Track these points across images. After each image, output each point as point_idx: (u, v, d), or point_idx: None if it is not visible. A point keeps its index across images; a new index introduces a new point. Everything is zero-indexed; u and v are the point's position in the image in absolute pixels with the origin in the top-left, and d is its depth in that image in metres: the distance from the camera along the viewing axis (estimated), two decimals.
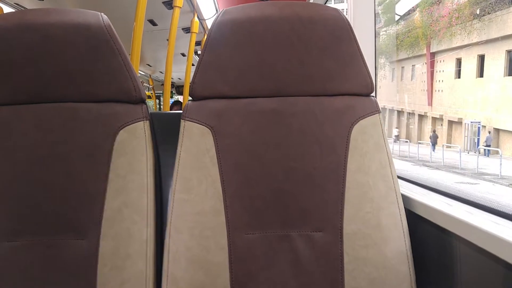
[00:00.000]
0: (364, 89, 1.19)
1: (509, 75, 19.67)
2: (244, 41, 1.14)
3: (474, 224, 0.90)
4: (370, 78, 1.18)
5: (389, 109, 33.24)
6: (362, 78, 1.18)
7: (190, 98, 1.20)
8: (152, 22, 6.67)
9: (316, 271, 1.10)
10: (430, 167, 15.98)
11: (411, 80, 30.14)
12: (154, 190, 1.16)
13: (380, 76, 33.80)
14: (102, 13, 1.17)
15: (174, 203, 1.12)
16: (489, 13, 20.73)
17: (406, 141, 23.61)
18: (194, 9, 5.16)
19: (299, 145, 1.14)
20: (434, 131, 25.31)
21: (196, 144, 1.14)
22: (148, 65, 12.34)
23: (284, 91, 1.16)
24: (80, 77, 1.14)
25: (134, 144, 1.15)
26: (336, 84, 1.17)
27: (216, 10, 4.28)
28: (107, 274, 1.08)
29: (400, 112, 31.62)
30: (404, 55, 29.79)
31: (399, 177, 1.40)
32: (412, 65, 29.85)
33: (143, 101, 1.23)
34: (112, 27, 1.16)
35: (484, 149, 18.00)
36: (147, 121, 1.20)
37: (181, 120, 1.17)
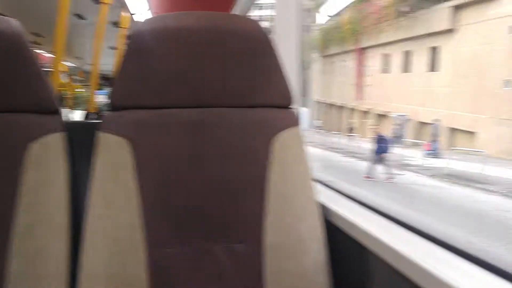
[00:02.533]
0: (284, 101, 1.20)
1: (432, 71, 20.81)
2: (164, 51, 1.13)
3: (384, 241, 0.95)
4: (290, 90, 1.19)
5: (321, 102, 34.14)
6: (282, 90, 1.19)
7: (109, 109, 1.16)
8: (80, 17, 6.82)
9: (238, 284, 1.10)
10: (359, 158, 16.51)
11: (342, 74, 31.10)
12: (69, 205, 1.11)
13: (312, 70, 34.56)
14: (14, 19, 1.12)
15: (90, 218, 1.07)
16: (414, 11, 21.75)
17: (338, 133, 24.29)
18: (123, 4, 5.13)
19: (220, 157, 1.13)
20: (350, 123, 26.37)
21: (113, 157, 1.10)
22: (78, 57, 12.28)
23: (205, 102, 1.16)
24: None
25: (48, 157, 1.11)
26: (256, 96, 1.18)
27: (147, 6, 4.24)
28: None
29: (331, 106, 32.57)
30: (335, 50, 30.65)
31: (325, 185, 1.49)
32: (343, 60, 30.81)
33: (57, 112, 1.17)
34: (24, 34, 1.11)
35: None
36: (63, 133, 1.15)
37: (98, 131, 1.12)
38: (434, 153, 15.12)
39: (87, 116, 9.19)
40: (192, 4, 2.89)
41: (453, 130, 18.92)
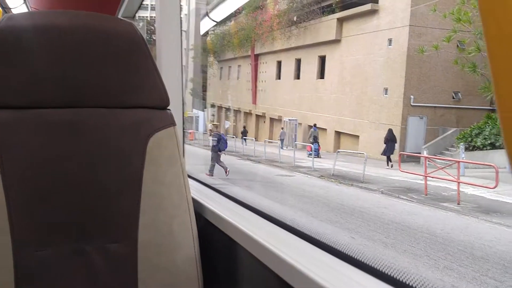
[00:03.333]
0: (160, 102, 1.21)
1: (320, 78, 22.05)
2: (31, 49, 1.09)
3: (252, 236, 1.01)
4: (166, 92, 1.21)
5: (217, 106, 34.34)
6: (158, 92, 1.20)
7: None
8: None
9: (112, 283, 1.10)
10: (254, 161, 16.87)
11: (238, 79, 31.64)
12: None
13: (209, 74, 34.64)
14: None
15: None
16: (304, 21, 22.89)
17: (233, 137, 24.57)
18: None
19: (94, 158, 1.12)
20: (244, 127, 27.15)
21: None
22: None
23: (78, 102, 1.13)
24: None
25: None
26: (132, 97, 1.18)
27: (24, 0, 3.87)
28: None
29: (227, 109, 32.92)
30: (231, 55, 31.07)
31: (199, 182, 1.56)
32: (238, 65, 31.36)
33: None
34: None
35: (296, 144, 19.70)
36: None
37: None
38: (314, 153, 16.18)
39: None
40: (74, 4, 2.71)
41: (339, 133, 20.23)
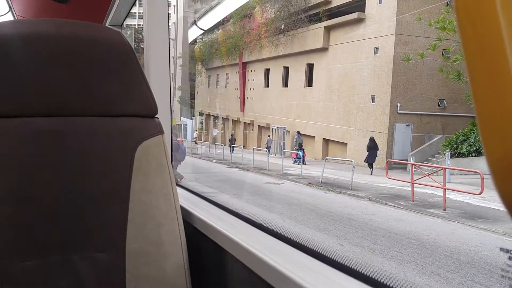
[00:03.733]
0: (147, 111, 1.20)
1: (308, 86, 22.17)
2: (16, 57, 1.08)
3: (241, 243, 1.01)
4: (154, 100, 1.21)
5: (205, 114, 34.29)
6: (145, 100, 1.19)
7: None
8: None
9: None
10: (242, 169, 16.85)
11: (226, 87, 31.67)
12: None
13: (197, 82, 34.62)
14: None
15: None
16: (292, 29, 23.04)
17: (221, 145, 24.52)
18: None
19: (80, 167, 1.10)
20: (232, 135, 27.23)
21: None
22: None
23: (64, 111, 1.12)
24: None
25: None
26: (120, 106, 1.17)
27: (10, 8, 3.81)
28: None
29: (215, 117, 32.88)
30: (219, 63, 31.11)
31: (188, 190, 1.56)
32: (226, 73, 31.40)
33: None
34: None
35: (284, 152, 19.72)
36: None
37: None
38: (299, 160, 16.38)
39: None
40: (62, 12, 2.72)
41: (327, 141, 20.33)
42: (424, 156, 15.54)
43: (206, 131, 32.97)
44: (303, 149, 18.41)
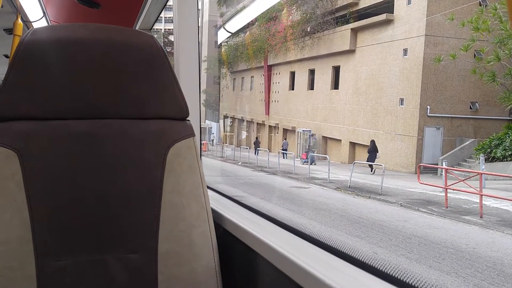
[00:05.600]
0: (179, 114, 1.22)
1: (334, 89, 21.92)
2: (53, 62, 1.11)
3: (271, 245, 1.02)
4: (185, 103, 1.23)
5: (230, 116, 34.37)
6: (177, 103, 1.21)
7: None
8: None
9: None
10: (268, 172, 16.75)
11: (250, 90, 31.65)
12: None
13: (222, 85, 34.75)
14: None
15: None
16: (318, 31, 22.85)
17: (246, 148, 24.48)
18: (17, 10, 4.65)
19: (113, 168, 1.13)
20: (257, 138, 27.25)
21: None
22: None
23: (98, 113, 1.15)
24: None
25: None
26: (151, 109, 1.19)
27: (44, 13, 3.90)
28: None
29: (240, 120, 32.90)
30: (244, 66, 31.13)
31: (218, 192, 1.59)
32: (251, 76, 31.39)
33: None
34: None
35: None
36: None
37: None
38: (309, 161, 17.04)
39: None
40: (93, 17, 2.77)
41: (354, 144, 20.01)
42: (455, 160, 15.10)
43: (232, 133, 33.03)
44: (313, 151, 19.43)
